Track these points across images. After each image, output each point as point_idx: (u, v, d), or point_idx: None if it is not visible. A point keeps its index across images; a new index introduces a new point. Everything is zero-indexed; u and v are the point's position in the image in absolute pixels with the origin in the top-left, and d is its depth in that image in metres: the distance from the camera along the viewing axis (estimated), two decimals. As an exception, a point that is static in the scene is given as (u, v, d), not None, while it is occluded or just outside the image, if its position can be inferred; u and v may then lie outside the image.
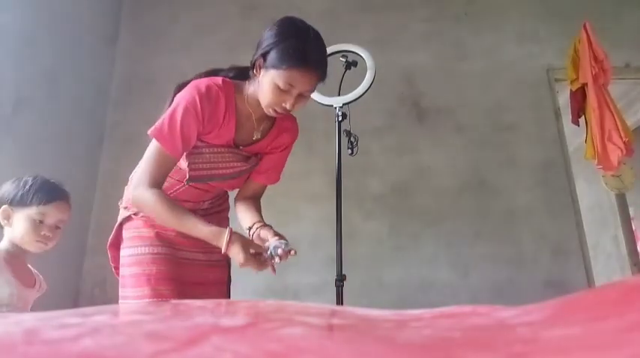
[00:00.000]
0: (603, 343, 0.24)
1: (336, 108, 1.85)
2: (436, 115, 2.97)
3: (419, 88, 3.02)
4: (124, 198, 1.43)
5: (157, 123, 1.23)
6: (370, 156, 2.80)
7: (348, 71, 1.92)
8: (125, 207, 1.39)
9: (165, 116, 1.23)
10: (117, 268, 1.39)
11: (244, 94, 1.31)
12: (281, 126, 1.42)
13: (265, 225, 1.34)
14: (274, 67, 1.20)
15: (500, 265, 2.64)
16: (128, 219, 1.37)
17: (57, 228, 1.39)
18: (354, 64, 1.91)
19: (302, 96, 1.25)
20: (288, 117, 1.42)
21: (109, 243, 1.41)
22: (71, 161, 2.55)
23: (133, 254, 1.32)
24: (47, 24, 2.47)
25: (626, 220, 4.28)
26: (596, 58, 2.57)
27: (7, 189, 1.39)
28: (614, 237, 4.59)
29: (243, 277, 2.65)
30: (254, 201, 1.46)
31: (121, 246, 1.37)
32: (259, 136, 1.38)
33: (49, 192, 1.38)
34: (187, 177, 1.29)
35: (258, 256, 1.21)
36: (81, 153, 2.66)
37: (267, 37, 1.27)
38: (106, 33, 3.10)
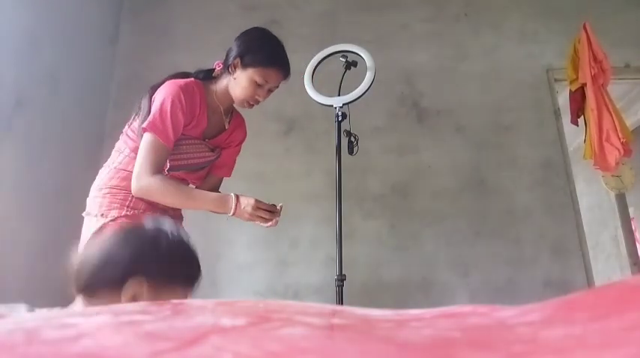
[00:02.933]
0: (603, 343, 0.24)
1: (336, 108, 1.84)
2: (436, 115, 2.97)
3: (419, 88, 3.02)
4: (94, 206, 1.40)
5: (149, 118, 1.36)
6: (370, 156, 2.80)
7: (348, 71, 1.92)
8: (101, 215, 1.37)
9: (155, 111, 1.37)
10: None
11: (212, 91, 1.52)
12: (235, 122, 1.65)
13: None
14: (253, 65, 1.44)
15: (500, 265, 2.64)
16: (102, 227, 1.34)
17: None
18: (354, 64, 1.91)
19: (269, 91, 1.52)
20: (239, 115, 1.69)
21: None
22: (71, 161, 2.55)
23: None
24: (48, 24, 2.47)
25: (626, 220, 4.27)
26: (595, 58, 2.57)
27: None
28: (614, 237, 4.59)
29: (243, 277, 2.66)
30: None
31: None
32: (228, 126, 1.60)
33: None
34: (168, 166, 1.42)
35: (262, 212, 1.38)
36: (81, 153, 2.66)
37: (244, 41, 1.50)
38: (106, 33, 3.10)
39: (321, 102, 1.89)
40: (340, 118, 1.83)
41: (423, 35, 3.14)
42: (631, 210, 4.45)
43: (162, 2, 3.29)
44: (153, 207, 1.42)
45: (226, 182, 1.73)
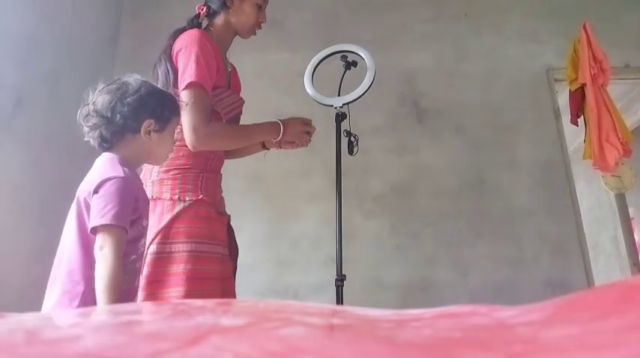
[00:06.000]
0: (603, 343, 0.24)
1: (336, 108, 1.84)
2: (436, 115, 2.97)
3: (419, 88, 3.02)
4: (163, 189, 1.35)
5: (187, 73, 1.33)
6: (370, 156, 2.80)
7: (348, 71, 1.91)
8: (177, 198, 1.32)
9: (187, 63, 1.34)
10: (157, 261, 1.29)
11: (212, 35, 1.51)
12: (232, 65, 1.64)
13: None
14: None
15: (500, 265, 2.64)
16: (183, 212, 1.31)
17: None
18: (354, 64, 1.91)
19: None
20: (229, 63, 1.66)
21: (160, 237, 1.30)
22: (71, 161, 2.55)
23: (191, 250, 1.29)
24: (48, 24, 2.47)
25: (626, 220, 4.27)
26: (595, 58, 2.57)
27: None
28: (614, 237, 4.59)
29: (243, 277, 2.66)
30: None
31: (168, 240, 1.29)
32: (230, 67, 1.60)
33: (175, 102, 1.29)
34: (224, 121, 1.45)
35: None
36: (81, 154, 2.65)
37: None
38: (106, 33, 3.10)
39: (321, 102, 1.89)
40: (340, 118, 1.83)
41: (423, 35, 3.14)
42: (631, 210, 4.45)
43: (162, 2, 3.29)
44: (218, 187, 1.45)
45: (227, 180, 1.72)
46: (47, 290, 1.17)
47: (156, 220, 1.31)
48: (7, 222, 2.10)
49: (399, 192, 2.81)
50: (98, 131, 1.22)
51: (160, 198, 1.34)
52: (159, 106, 1.22)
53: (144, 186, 1.35)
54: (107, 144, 1.24)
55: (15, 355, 0.28)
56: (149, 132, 1.22)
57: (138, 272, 1.23)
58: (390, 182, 2.83)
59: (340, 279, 1.66)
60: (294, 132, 1.51)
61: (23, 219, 2.19)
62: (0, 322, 0.39)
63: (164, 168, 1.38)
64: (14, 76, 2.21)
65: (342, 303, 1.65)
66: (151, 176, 1.39)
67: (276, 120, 1.48)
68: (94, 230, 1.09)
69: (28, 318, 0.38)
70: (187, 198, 1.33)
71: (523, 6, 3.21)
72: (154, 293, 1.26)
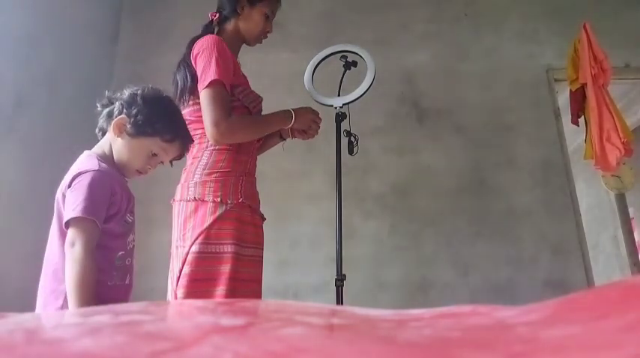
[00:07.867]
0: (603, 343, 0.24)
1: (336, 108, 1.84)
2: (436, 115, 2.97)
3: (419, 88, 3.02)
4: (205, 190, 1.38)
5: (205, 74, 1.39)
6: (370, 156, 2.80)
7: (348, 71, 1.91)
8: (220, 201, 1.36)
9: (207, 63, 1.40)
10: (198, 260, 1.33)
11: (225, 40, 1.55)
12: None
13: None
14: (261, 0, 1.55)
15: (500, 265, 2.64)
16: (225, 215, 1.35)
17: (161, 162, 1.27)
18: (354, 64, 1.91)
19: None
20: None
21: (202, 237, 1.33)
22: (72, 161, 2.55)
23: (233, 251, 1.33)
24: (47, 24, 2.47)
25: (626, 220, 4.27)
26: (595, 58, 2.57)
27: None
28: (614, 237, 4.59)
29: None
30: None
31: (211, 241, 1.32)
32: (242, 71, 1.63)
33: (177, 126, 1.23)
34: (254, 113, 1.52)
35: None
36: (81, 154, 2.65)
37: None
38: (106, 33, 3.10)
39: (321, 102, 1.89)
40: (340, 118, 1.83)
41: (423, 35, 3.14)
42: (631, 210, 4.45)
43: (162, 2, 3.29)
44: (255, 189, 1.51)
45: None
46: (39, 291, 1.16)
47: (198, 221, 1.35)
48: (6, 222, 2.10)
49: (399, 192, 2.81)
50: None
51: (202, 200, 1.37)
52: (153, 114, 1.18)
53: (187, 187, 1.39)
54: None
55: (15, 355, 0.28)
56: (121, 131, 1.19)
57: (129, 268, 1.21)
58: (390, 182, 2.83)
59: (340, 279, 1.66)
60: (304, 118, 1.57)
61: (22, 219, 2.19)
62: (0, 322, 0.39)
63: (207, 171, 1.41)
64: (14, 76, 2.21)
65: (342, 303, 1.65)
66: (193, 178, 1.42)
67: (288, 109, 1.55)
68: (67, 224, 1.08)
69: (28, 318, 0.38)
70: (229, 201, 1.37)
71: (523, 6, 3.21)
72: (197, 290, 1.29)
